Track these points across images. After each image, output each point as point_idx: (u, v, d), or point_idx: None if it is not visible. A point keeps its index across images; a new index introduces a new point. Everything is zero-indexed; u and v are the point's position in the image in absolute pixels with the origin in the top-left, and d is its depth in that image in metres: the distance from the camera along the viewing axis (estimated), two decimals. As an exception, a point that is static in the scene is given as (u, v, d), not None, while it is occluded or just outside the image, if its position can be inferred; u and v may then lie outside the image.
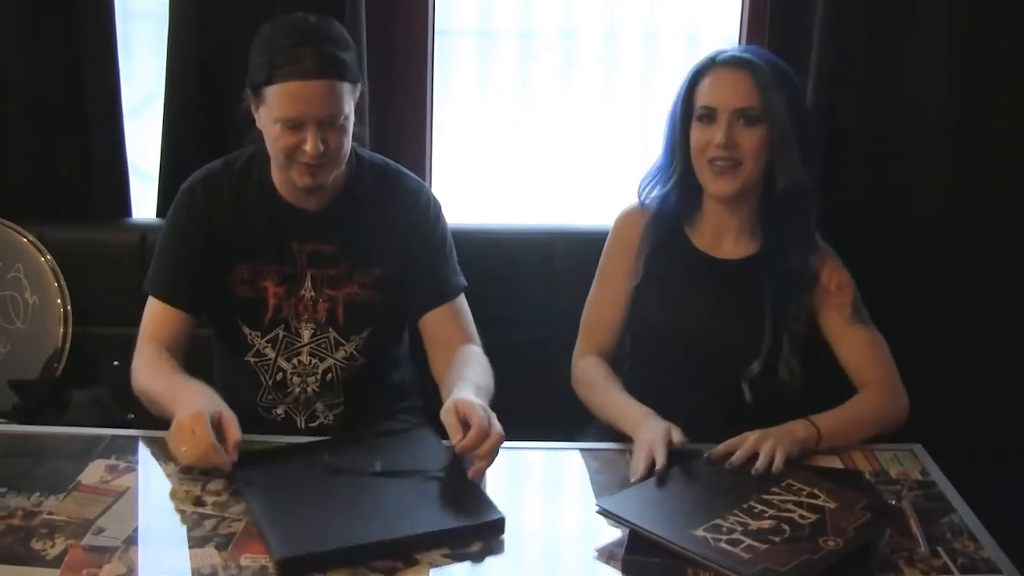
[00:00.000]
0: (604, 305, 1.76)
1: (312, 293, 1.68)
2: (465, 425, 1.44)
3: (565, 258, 2.00)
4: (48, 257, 1.99)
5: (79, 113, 1.99)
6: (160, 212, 2.07)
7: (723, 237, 1.69)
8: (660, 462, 1.47)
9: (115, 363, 1.89)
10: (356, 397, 1.76)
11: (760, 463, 1.46)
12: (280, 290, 1.67)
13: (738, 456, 1.48)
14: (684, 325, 1.68)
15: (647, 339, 1.73)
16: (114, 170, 2.03)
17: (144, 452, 1.57)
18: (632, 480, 1.48)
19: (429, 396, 1.76)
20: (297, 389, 1.73)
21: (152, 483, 1.50)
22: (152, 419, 1.69)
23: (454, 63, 2.19)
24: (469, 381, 1.52)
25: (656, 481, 1.47)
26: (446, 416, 1.43)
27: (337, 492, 1.40)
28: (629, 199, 1.78)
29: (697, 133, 1.65)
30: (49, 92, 1.98)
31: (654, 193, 1.70)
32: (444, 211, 1.74)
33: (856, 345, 1.67)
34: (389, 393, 1.82)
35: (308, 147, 1.57)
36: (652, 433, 1.51)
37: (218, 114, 1.98)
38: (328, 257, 1.67)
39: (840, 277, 1.69)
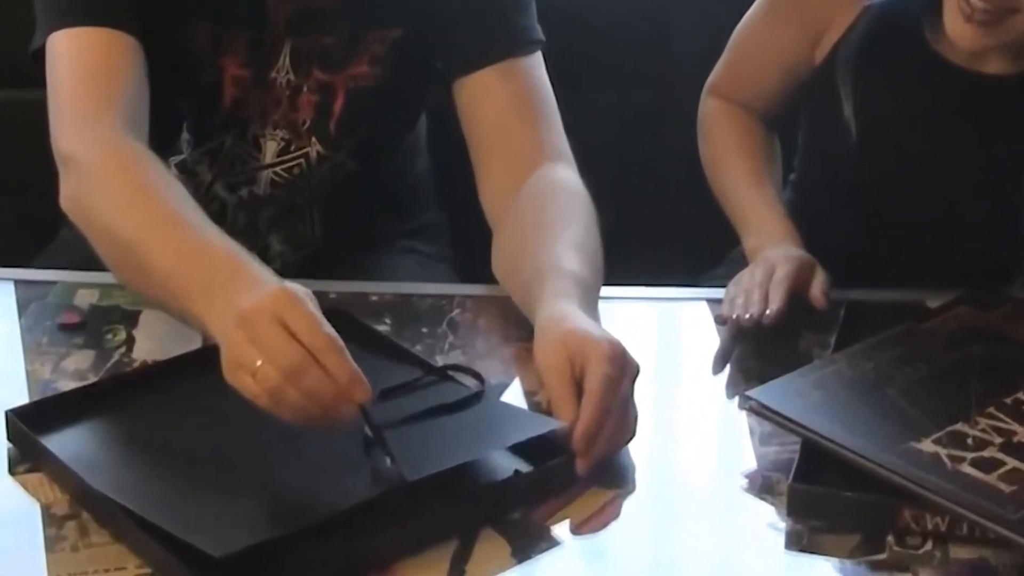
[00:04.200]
0: (765, 44, 1.72)
1: (291, 77, 1.63)
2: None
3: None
4: None
5: None
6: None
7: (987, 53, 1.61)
8: (774, 304, 1.47)
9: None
10: (336, 220, 1.74)
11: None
12: (245, 73, 1.62)
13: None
14: (897, 155, 1.65)
15: (828, 155, 1.71)
16: None
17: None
18: (722, 315, 1.50)
19: (454, 203, 1.80)
20: (242, 223, 1.71)
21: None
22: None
23: None
24: (568, 276, 1.41)
25: (838, 359, 1.42)
26: (550, 372, 1.29)
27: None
28: None
29: None
30: None
31: None
32: None
33: None
34: (390, 207, 1.81)
35: None
36: (785, 261, 1.53)
37: None
38: (322, 17, 1.61)
39: None
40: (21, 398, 1.40)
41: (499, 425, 1.35)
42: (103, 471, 1.27)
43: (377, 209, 1.78)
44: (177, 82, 1.60)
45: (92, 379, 1.43)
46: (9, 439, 1.33)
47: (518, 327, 1.48)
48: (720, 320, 1.53)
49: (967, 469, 1.26)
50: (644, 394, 1.34)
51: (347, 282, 1.61)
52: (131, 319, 1.53)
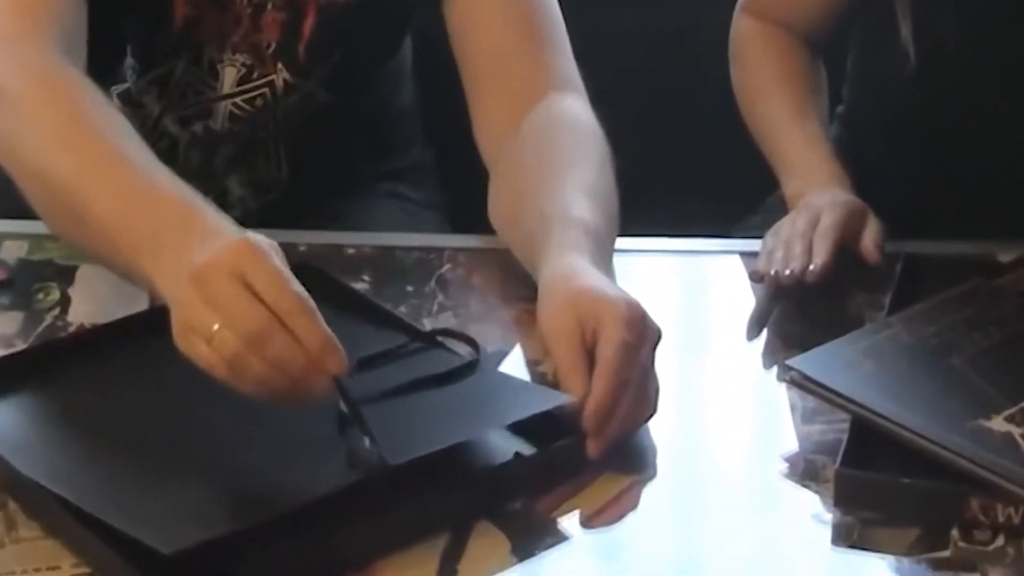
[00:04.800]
0: None
1: None
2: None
3: None
4: None
5: None
6: None
7: None
8: (819, 258, 1.49)
9: None
10: (306, 160, 1.76)
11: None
12: None
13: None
14: (962, 84, 1.65)
15: (882, 84, 1.73)
16: None
17: None
18: (758, 271, 1.52)
19: (444, 140, 1.80)
20: (196, 163, 1.71)
21: None
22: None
23: None
24: (578, 225, 1.43)
25: (893, 323, 1.42)
26: (557, 337, 1.31)
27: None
28: None
29: None
30: None
31: None
32: None
33: None
34: (369, 145, 1.82)
35: None
36: (832, 208, 1.54)
37: None
38: None
39: None
40: (-62, 369, 1.39)
41: (497, 400, 1.35)
42: (33, 454, 1.27)
43: (354, 147, 1.78)
44: None
45: (20, 346, 1.44)
46: (-76, 416, 1.32)
47: (519, 285, 1.48)
48: (756, 276, 1.53)
49: (1044, 452, 1.27)
50: (667, 363, 1.33)
51: (319, 232, 1.62)
52: (66, 276, 1.53)
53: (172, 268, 1.25)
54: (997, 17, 1.62)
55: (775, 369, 1.39)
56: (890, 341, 1.39)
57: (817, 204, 1.54)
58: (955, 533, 1.23)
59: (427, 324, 1.46)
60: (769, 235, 1.55)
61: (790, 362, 1.34)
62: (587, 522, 1.26)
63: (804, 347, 1.38)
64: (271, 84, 1.68)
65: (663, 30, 1.99)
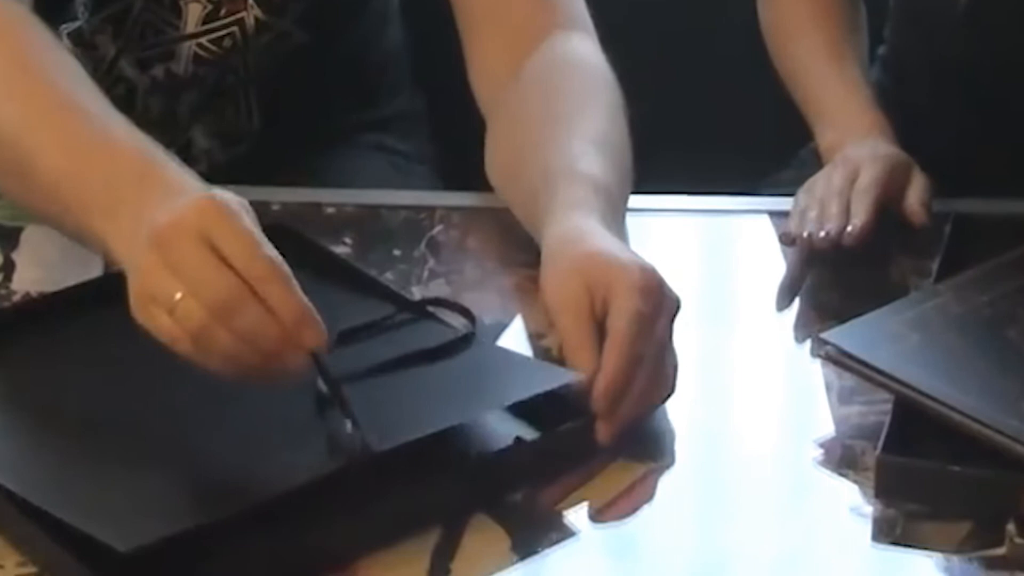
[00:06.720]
0: None
1: None
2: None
3: None
4: None
5: None
6: None
7: None
8: (858, 218, 1.49)
9: None
10: (280, 108, 1.77)
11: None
12: None
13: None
14: (1017, 23, 1.65)
15: (928, 23, 1.73)
16: None
17: None
18: (790, 233, 1.52)
19: (435, 85, 1.83)
20: (156, 111, 1.72)
21: None
22: None
23: None
24: (587, 181, 1.44)
25: (942, 291, 1.42)
26: (563, 308, 1.33)
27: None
28: None
29: None
30: None
31: None
32: None
33: None
34: (352, 91, 1.83)
35: None
36: (872, 162, 1.55)
37: None
38: None
39: None
40: None
41: (495, 378, 1.35)
42: None
43: (334, 94, 1.78)
44: None
45: (-42, 318, 1.42)
46: None
47: (520, 248, 1.48)
48: (787, 239, 1.52)
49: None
50: (686, 337, 1.33)
51: (295, 188, 1.62)
52: (10, 238, 1.54)
53: (129, 229, 1.25)
54: None
55: (808, 344, 1.40)
56: (938, 312, 1.39)
57: (856, 157, 1.54)
58: (1011, 528, 1.23)
59: (416, 293, 1.46)
60: (802, 192, 1.54)
61: (825, 336, 1.34)
62: (596, 516, 1.26)
63: (841, 319, 1.38)
64: (241, 22, 1.68)
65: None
